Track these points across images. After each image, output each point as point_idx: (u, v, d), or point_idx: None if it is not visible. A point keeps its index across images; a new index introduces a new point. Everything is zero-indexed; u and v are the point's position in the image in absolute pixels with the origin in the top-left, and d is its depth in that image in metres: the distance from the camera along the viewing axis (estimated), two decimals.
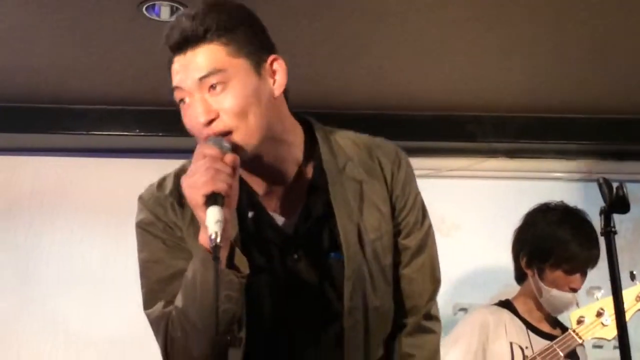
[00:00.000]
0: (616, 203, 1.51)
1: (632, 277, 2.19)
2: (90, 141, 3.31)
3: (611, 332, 2.13)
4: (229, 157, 1.22)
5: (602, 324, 2.17)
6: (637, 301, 2.22)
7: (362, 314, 1.38)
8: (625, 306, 1.86)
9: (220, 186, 1.19)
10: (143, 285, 1.36)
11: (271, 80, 1.32)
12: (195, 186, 1.20)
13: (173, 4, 2.51)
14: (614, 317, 1.63)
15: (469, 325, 2.32)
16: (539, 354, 2.15)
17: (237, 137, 1.27)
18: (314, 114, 1.52)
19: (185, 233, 1.33)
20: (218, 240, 1.14)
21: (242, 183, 1.33)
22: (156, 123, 3.23)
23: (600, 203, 1.57)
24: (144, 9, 2.50)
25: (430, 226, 1.47)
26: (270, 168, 1.35)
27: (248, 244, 1.34)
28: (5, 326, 3.10)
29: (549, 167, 3.21)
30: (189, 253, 1.31)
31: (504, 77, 2.85)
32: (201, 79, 1.26)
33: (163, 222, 1.35)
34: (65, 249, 3.23)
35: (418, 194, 1.47)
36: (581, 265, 2.18)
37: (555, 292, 2.21)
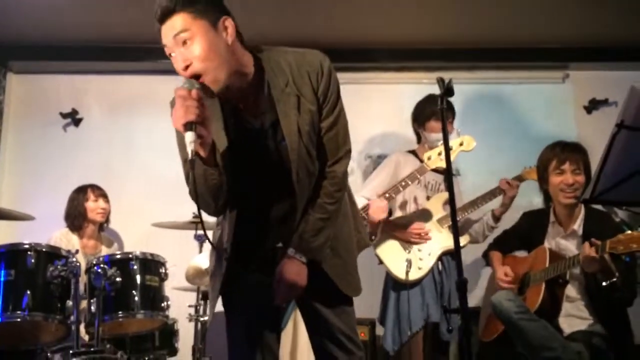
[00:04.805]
0: (447, 91, 1.90)
1: (458, 133, 3.10)
2: (159, 65, 4.26)
3: (443, 163, 2.77)
4: (194, 93, 1.44)
5: (440, 159, 2.94)
6: (459, 146, 3.01)
7: (305, 176, 1.64)
8: (452, 149, 2.93)
9: (191, 117, 1.42)
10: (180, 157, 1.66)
11: (225, 34, 1.54)
12: (176, 118, 1.44)
13: None
14: (443, 154, 2.09)
15: (389, 160, 3.31)
16: (409, 174, 3.03)
17: (206, 79, 1.48)
18: None
19: None
20: (192, 155, 1.42)
21: (228, 102, 1.59)
22: None
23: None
24: None
25: (341, 110, 1.69)
26: (238, 91, 1.58)
27: (234, 136, 1.60)
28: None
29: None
30: None
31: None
32: (174, 36, 1.48)
33: None
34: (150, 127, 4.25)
35: (335, 90, 1.66)
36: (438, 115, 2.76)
37: (432, 135, 3.17)
